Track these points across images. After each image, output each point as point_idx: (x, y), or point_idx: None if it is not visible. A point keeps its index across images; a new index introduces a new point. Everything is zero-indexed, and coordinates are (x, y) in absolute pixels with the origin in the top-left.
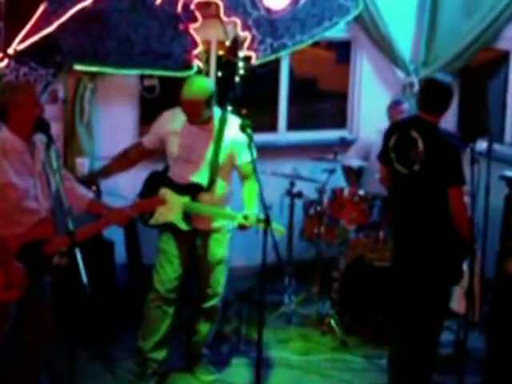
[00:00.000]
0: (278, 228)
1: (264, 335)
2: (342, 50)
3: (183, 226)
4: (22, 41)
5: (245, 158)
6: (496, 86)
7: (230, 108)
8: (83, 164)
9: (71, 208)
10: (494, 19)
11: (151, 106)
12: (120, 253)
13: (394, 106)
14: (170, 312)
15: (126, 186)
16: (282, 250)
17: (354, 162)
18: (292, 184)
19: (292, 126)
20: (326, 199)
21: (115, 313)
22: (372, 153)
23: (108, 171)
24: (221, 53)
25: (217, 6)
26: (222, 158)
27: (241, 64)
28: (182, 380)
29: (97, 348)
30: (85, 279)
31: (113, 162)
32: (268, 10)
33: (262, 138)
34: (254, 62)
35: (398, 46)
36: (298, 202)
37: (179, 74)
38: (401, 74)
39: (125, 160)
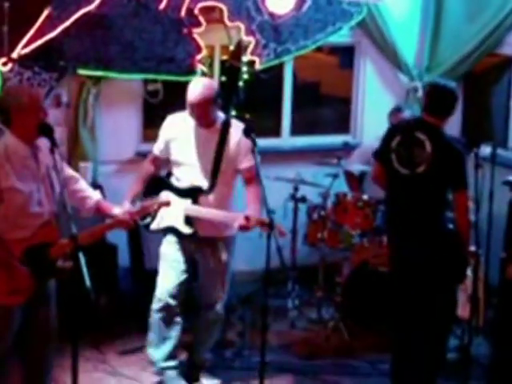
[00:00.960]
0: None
1: (268, 340)
2: (345, 55)
3: (185, 230)
4: (26, 45)
5: (248, 162)
6: (500, 92)
7: (233, 113)
8: (86, 168)
9: (76, 211)
10: (498, 25)
11: (155, 111)
12: (123, 257)
13: (395, 112)
14: (178, 320)
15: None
16: (286, 255)
17: (356, 167)
18: (296, 189)
19: (295, 130)
20: (329, 204)
21: (118, 316)
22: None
23: (137, 195)
24: (224, 57)
25: (220, 10)
26: (225, 161)
27: (244, 69)
28: None
29: (99, 351)
30: (88, 283)
31: (138, 184)
32: (272, 15)
33: (265, 142)
34: (257, 66)
35: (402, 51)
36: (302, 207)
37: (183, 79)
38: (404, 79)
39: (147, 178)
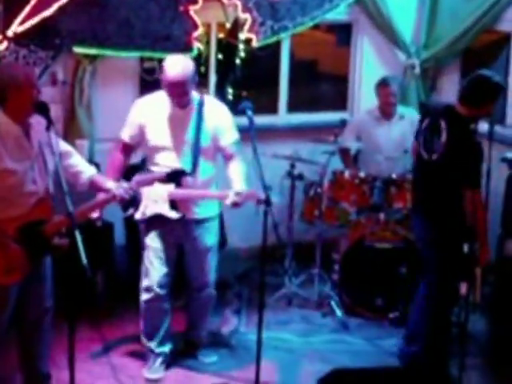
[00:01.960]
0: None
1: (264, 317)
2: (342, 33)
3: (172, 215)
4: (22, 23)
5: (229, 138)
6: (498, 68)
7: (230, 90)
8: (83, 146)
9: (72, 187)
10: (496, 1)
11: (151, 88)
12: (119, 234)
13: (382, 86)
14: (168, 307)
15: None
16: (282, 232)
17: (350, 143)
18: (292, 166)
19: (292, 108)
20: (326, 181)
21: (114, 294)
22: (363, 132)
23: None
24: (221, 35)
25: None
26: (205, 140)
27: (241, 46)
28: (184, 363)
29: (96, 329)
30: (84, 260)
31: (112, 176)
32: None
33: (262, 120)
34: (254, 44)
35: (399, 28)
36: (299, 184)
37: None
38: (402, 56)
39: (119, 167)
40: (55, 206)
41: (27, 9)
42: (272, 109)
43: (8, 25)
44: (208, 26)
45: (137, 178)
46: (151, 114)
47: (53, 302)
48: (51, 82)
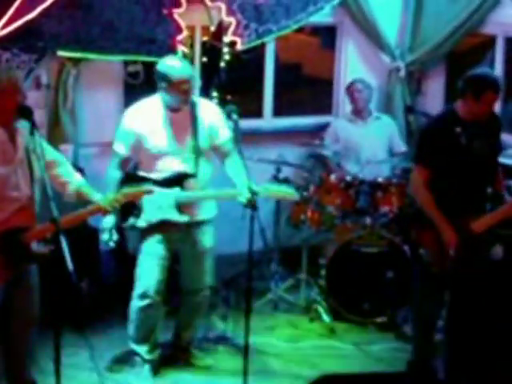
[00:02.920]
0: (289, 191)
1: (251, 322)
2: (327, 36)
3: (182, 219)
4: (4, 26)
5: (224, 136)
6: None
7: (215, 94)
8: (67, 151)
9: (56, 194)
10: (480, 4)
11: (135, 92)
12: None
13: (349, 85)
14: (161, 314)
15: None
16: (269, 237)
17: (326, 150)
18: (278, 170)
19: (277, 111)
20: (312, 185)
21: (100, 300)
22: (340, 135)
23: None
24: (205, 38)
25: None
26: (203, 140)
27: (226, 49)
28: (176, 369)
29: (82, 336)
30: (70, 266)
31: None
32: None
33: (247, 123)
34: (238, 47)
35: (384, 31)
36: None
37: None
38: (387, 59)
39: (118, 183)
40: (42, 213)
41: (10, 12)
42: (257, 112)
43: None
44: (192, 29)
45: (123, 190)
46: (146, 121)
47: (39, 311)
48: (35, 86)
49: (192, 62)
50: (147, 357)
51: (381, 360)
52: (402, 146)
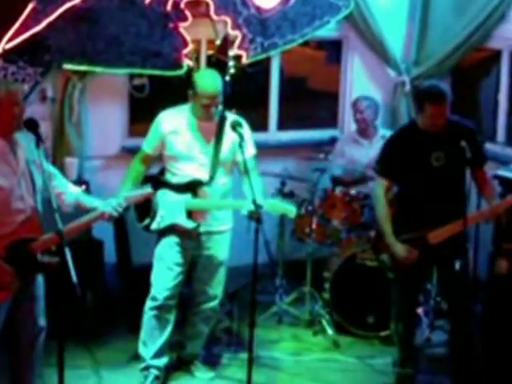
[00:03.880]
0: (290, 209)
1: (255, 335)
2: (332, 50)
3: (189, 225)
4: (11, 39)
5: (247, 153)
6: (488, 86)
7: (220, 107)
8: (72, 164)
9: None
10: (486, 18)
11: (141, 106)
12: (109, 253)
13: (354, 103)
14: (171, 319)
15: (115, 187)
16: (273, 250)
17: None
18: (283, 183)
19: (283, 125)
20: (317, 199)
21: (104, 312)
22: (344, 155)
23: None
24: (211, 52)
25: (207, 4)
26: (225, 153)
27: (231, 63)
28: (180, 379)
29: (86, 348)
30: (75, 278)
31: (129, 185)
32: (258, 9)
33: (252, 137)
34: (244, 61)
35: (390, 45)
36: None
37: (169, 74)
38: (392, 73)
39: (139, 178)
40: (44, 224)
41: (16, 25)
42: (262, 126)
43: None
44: (198, 43)
45: (126, 194)
46: (173, 124)
47: (45, 321)
48: (40, 99)
49: None
50: (151, 362)
51: (384, 374)
52: None
